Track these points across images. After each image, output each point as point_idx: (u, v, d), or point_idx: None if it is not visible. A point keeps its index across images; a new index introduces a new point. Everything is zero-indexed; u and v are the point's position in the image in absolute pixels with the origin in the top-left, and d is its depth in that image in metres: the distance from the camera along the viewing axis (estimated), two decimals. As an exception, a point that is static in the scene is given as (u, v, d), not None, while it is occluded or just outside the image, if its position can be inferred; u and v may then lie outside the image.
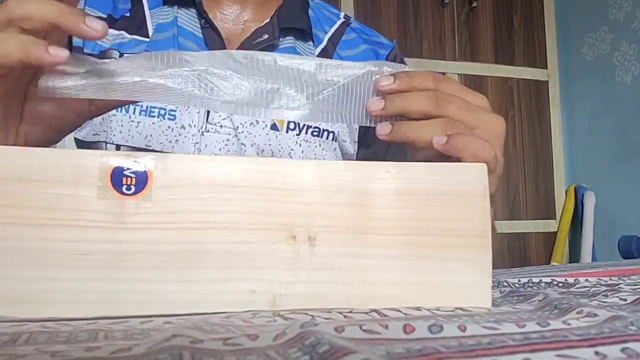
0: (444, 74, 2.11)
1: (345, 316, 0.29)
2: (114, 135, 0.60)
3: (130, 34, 0.63)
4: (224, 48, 0.62)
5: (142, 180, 0.31)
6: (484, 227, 0.34)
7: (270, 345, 0.21)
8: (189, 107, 0.60)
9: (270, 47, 0.63)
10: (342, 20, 0.72)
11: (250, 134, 0.62)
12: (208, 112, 0.61)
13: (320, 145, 0.64)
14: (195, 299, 0.30)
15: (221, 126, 0.61)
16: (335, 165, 0.33)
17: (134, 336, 0.23)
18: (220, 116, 0.61)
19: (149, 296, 0.30)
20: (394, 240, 0.33)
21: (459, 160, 0.36)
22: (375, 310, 0.30)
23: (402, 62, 0.71)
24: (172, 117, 0.60)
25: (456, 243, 0.33)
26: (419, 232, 0.33)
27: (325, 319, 0.28)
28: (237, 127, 0.62)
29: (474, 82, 2.16)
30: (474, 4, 2.18)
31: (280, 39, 0.65)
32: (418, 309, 0.31)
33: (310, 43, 0.67)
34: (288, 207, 0.32)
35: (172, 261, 0.30)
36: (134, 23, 0.63)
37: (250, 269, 0.31)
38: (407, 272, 0.32)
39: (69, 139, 0.63)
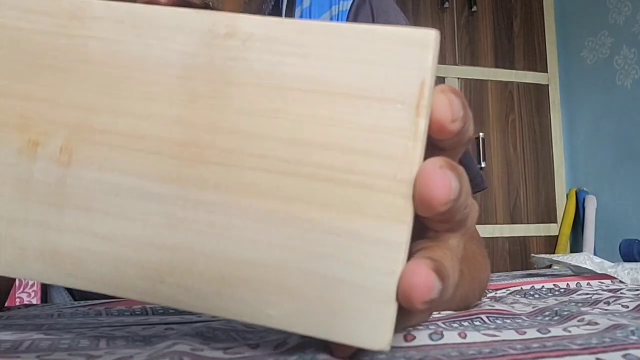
0: (444, 78, 2.11)
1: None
2: None
3: None
4: None
5: None
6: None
7: (270, 354, 0.21)
8: None
9: None
10: None
11: None
12: None
13: None
14: None
15: None
16: None
17: (136, 344, 0.23)
18: None
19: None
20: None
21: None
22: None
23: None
24: None
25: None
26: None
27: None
28: None
29: (475, 87, 2.16)
30: (474, 9, 2.18)
31: None
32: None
33: None
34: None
35: None
36: None
37: None
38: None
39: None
